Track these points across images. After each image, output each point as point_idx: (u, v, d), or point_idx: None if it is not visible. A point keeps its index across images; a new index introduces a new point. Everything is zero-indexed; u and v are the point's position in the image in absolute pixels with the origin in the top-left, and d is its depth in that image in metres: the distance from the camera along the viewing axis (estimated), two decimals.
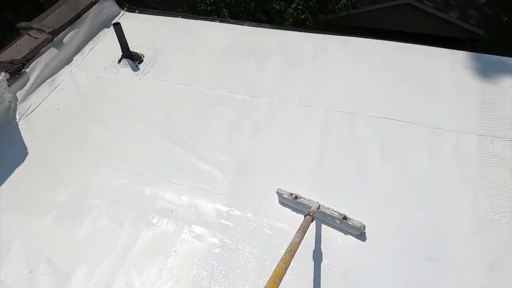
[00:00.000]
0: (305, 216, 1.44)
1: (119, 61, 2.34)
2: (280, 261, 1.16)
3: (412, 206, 1.60)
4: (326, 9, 8.36)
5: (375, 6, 9.71)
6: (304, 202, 1.55)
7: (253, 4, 7.16)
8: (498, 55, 2.32)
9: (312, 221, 1.43)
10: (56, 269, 1.44)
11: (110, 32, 2.58)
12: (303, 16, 7.57)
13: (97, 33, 2.61)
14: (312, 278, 1.41)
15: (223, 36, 2.53)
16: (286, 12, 7.58)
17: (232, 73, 2.27)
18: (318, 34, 2.53)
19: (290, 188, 1.62)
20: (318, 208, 1.51)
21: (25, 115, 2.05)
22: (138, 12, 2.82)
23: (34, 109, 2.09)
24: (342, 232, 1.53)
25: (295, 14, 7.51)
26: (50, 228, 1.57)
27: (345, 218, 1.48)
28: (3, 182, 1.73)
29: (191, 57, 2.39)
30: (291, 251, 1.20)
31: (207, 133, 1.93)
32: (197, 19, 2.70)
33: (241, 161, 1.79)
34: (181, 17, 2.77)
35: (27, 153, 1.87)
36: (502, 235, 1.49)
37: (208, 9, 6.16)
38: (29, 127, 1.99)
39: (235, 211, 1.61)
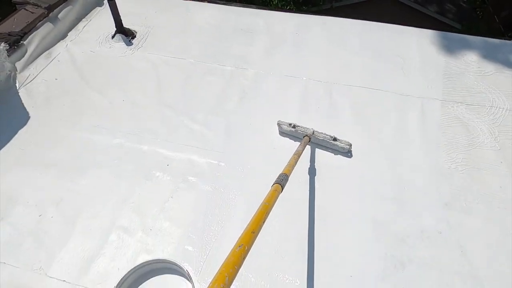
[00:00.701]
0: (303, 137, 1.78)
1: (113, 36, 2.48)
2: (287, 163, 1.41)
3: (381, 158, 1.82)
4: (310, 1, 8.59)
5: (357, 0, 9.98)
6: (301, 130, 1.84)
7: None
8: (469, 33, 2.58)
9: (309, 140, 1.77)
10: (63, 213, 1.59)
11: (103, 10, 2.71)
12: (288, 7, 7.77)
13: (90, 11, 2.73)
14: (308, 187, 1.70)
15: (212, 15, 2.69)
16: (271, 3, 7.75)
17: (221, 48, 2.44)
18: (300, 14, 2.73)
19: (271, 144, 1.84)
20: (313, 133, 1.82)
21: (24, 84, 2.17)
22: None
23: (33, 79, 2.21)
24: (333, 152, 1.84)
25: (279, 5, 7.69)
26: (55, 179, 1.71)
27: (335, 139, 1.80)
28: (8, 142, 1.85)
29: (182, 34, 2.54)
30: (296, 155, 1.50)
31: (198, 99, 2.10)
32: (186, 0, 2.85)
33: (230, 122, 1.97)
34: None
35: (29, 117, 1.99)
36: (457, 180, 1.72)
37: None
38: (29, 94, 2.11)
39: (224, 163, 1.79)
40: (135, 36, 2.52)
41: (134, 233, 1.53)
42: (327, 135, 1.82)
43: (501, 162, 1.79)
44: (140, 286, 1.23)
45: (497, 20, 7.51)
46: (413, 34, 2.50)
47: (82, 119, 1.99)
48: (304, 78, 2.23)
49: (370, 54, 2.36)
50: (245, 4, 2.86)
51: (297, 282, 1.42)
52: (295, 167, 1.44)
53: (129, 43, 2.46)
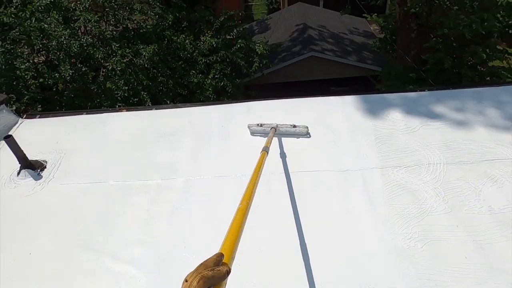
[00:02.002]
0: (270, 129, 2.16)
1: (18, 173, 2.19)
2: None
3: (336, 254, 1.62)
4: (242, 74, 8.98)
5: (284, 64, 10.69)
6: (268, 126, 2.23)
7: (171, 82, 7.41)
8: (386, 91, 2.65)
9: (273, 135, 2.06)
10: None
11: (3, 146, 2.43)
12: (222, 83, 8.01)
13: None
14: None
15: (132, 125, 2.53)
16: (205, 83, 7.96)
17: (144, 159, 2.24)
18: (225, 105, 2.66)
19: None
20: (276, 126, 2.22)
21: None
22: (39, 117, 2.73)
23: None
24: (295, 136, 2.22)
25: (214, 83, 7.91)
26: None
27: (294, 126, 2.21)
28: None
29: (99, 153, 2.33)
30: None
31: (121, 230, 1.82)
32: (102, 113, 2.69)
33: (160, 253, 1.69)
34: (86, 113, 2.74)
35: None
36: (420, 260, 1.55)
37: (126, 95, 6.21)
38: None
39: None
40: (45, 167, 2.24)
41: None
42: (287, 124, 2.23)
43: (457, 226, 1.67)
44: None
45: (409, 60, 8.31)
46: (337, 103, 2.51)
47: None
48: (237, 174, 2.06)
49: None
50: (165, 106, 2.76)
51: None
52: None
53: (37, 177, 2.18)
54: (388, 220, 1.73)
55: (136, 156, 2.27)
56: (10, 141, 2.05)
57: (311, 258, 1.61)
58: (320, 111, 2.45)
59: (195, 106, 2.73)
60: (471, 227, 1.65)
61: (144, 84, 6.55)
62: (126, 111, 2.77)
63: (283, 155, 2.15)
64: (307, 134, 2.23)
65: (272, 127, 2.19)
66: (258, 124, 2.26)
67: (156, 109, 2.72)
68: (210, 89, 7.77)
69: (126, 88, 6.31)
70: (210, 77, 7.88)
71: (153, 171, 2.14)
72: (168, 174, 2.11)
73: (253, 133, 2.29)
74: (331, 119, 2.38)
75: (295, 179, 2.00)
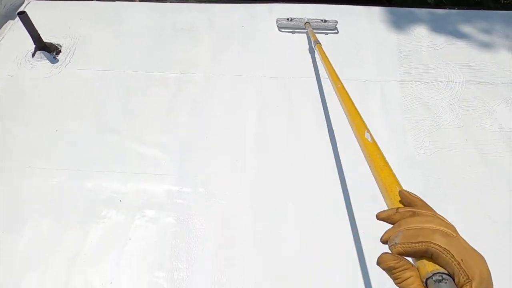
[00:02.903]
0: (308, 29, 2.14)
1: (33, 54, 2.13)
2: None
3: (349, 152, 1.72)
4: None
5: None
6: (298, 21, 2.23)
7: None
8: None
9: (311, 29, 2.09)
10: (1, 283, 1.33)
11: (17, 24, 2.32)
12: None
13: (1, 27, 2.34)
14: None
15: (146, 16, 2.41)
16: None
17: (162, 53, 2.19)
18: (244, 4, 2.52)
19: (234, 155, 1.68)
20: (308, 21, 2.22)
21: None
22: None
23: None
24: (323, 32, 2.25)
25: None
26: None
27: (324, 20, 2.22)
28: None
29: (115, 41, 2.25)
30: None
31: (143, 117, 1.87)
32: (114, 0, 2.53)
33: (184, 139, 1.77)
34: (96, 0, 2.58)
35: None
36: (428, 167, 1.67)
37: None
38: None
39: (185, 188, 1.60)
40: (60, 51, 2.19)
41: None
42: (318, 19, 2.22)
43: (466, 140, 1.77)
44: None
45: None
46: (362, 13, 2.40)
47: (9, 161, 1.70)
48: (258, 75, 2.06)
49: (322, 41, 2.23)
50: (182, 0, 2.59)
51: None
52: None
53: (54, 60, 2.13)
54: (402, 130, 1.81)
55: (154, 48, 2.21)
56: (24, 17, 1.95)
57: (327, 160, 1.71)
58: (345, 19, 2.35)
59: (214, 3, 2.58)
60: (479, 142, 1.75)
61: None
62: (140, 1, 2.61)
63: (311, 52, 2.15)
64: (335, 29, 2.26)
65: (306, 22, 2.19)
66: (288, 19, 2.23)
67: (170, 2, 2.57)
68: None
69: None
70: None
71: (172, 64, 2.11)
72: (188, 69, 2.09)
73: (281, 27, 2.27)
74: (356, 29, 2.30)
75: (315, 84, 2.01)
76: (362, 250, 1.43)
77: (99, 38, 2.26)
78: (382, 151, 0.77)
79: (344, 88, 1.19)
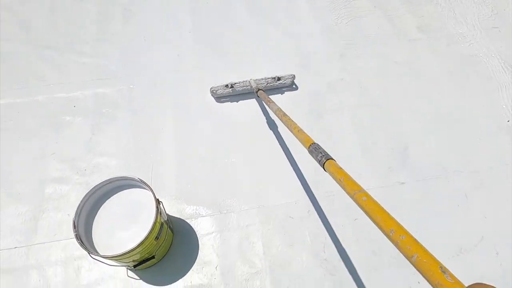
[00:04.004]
0: (256, 92, 1.52)
1: None
2: (293, 131, 1.14)
3: (279, 33, 1.92)
4: None
5: None
6: (242, 86, 1.64)
7: None
8: None
9: (263, 91, 1.51)
10: None
11: None
12: None
13: None
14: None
15: None
16: None
17: None
18: None
19: (175, 59, 1.80)
20: (256, 84, 1.62)
21: None
22: None
23: None
24: (279, 92, 1.71)
25: None
26: None
27: (279, 78, 1.66)
28: None
29: None
30: (282, 114, 1.23)
31: (76, 30, 1.88)
32: None
33: (123, 44, 1.84)
34: None
35: None
36: (345, 33, 1.92)
37: None
38: None
39: (135, 85, 1.72)
40: None
41: (69, 179, 1.47)
42: (268, 77, 1.67)
43: (375, 7, 2.03)
44: (102, 206, 1.21)
45: None
46: None
47: None
48: None
49: None
50: None
51: None
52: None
53: None
54: (322, 7, 2.02)
55: None
56: None
57: (259, 46, 1.89)
58: None
59: None
60: (384, 6, 2.02)
61: None
62: None
63: None
64: (292, 85, 1.74)
65: (259, 89, 1.53)
66: (227, 85, 1.65)
67: None
68: None
69: None
70: None
71: None
72: None
73: (218, 98, 1.69)
74: None
75: None
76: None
77: None
78: None
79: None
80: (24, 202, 1.42)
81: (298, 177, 1.48)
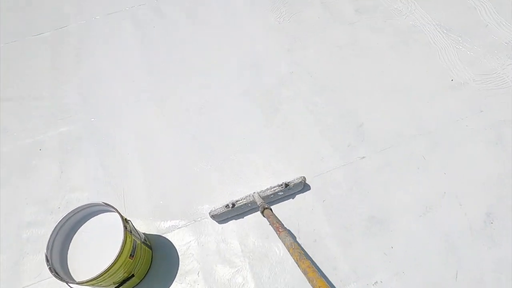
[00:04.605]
0: (262, 212, 1.30)
1: None
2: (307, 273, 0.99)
3: (228, 41, 1.99)
4: None
5: None
6: (244, 202, 1.39)
7: None
8: None
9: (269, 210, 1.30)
10: None
11: None
12: None
13: None
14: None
15: None
16: None
17: (29, 16, 2.18)
18: None
19: (130, 85, 1.87)
20: (261, 197, 1.38)
21: None
22: None
23: None
24: (290, 197, 1.46)
25: None
26: None
27: (287, 185, 1.39)
28: None
29: None
30: (296, 250, 1.07)
31: (32, 79, 1.93)
32: None
33: (78, 84, 1.90)
34: None
35: None
36: (289, 29, 2.00)
37: None
38: None
39: (95, 118, 1.77)
40: None
41: (44, 220, 1.49)
42: (275, 187, 1.40)
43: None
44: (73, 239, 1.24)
45: None
46: None
47: None
48: (127, 7, 2.18)
49: None
50: None
51: None
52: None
53: None
54: (263, 7, 2.11)
55: (20, 14, 2.19)
56: None
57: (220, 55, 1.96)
58: None
59: None
60: None
61: None
62: None
63: None
64: (303, 188, 1.46)
65: (262, 207, 1.31)
66: (227, 205, 1.38)
67: None
68: None
69: None
70: None
71: (42, 24, 2.13)
72: (59, 23, 2.14)
73: (221, 221, 1.44)
74: None
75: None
76: None
77: None
78: None
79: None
80: (3, 251, 1.44)
81: (265, 167, 1.53)
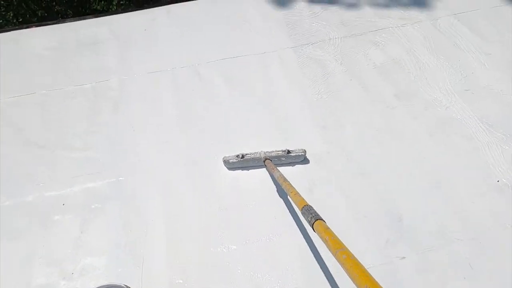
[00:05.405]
0: (265, 160, 1.65)
1: None
2: (290, 195, 1.23)
3: (266, 114, 1.99)
4: None
5: None
6: (252, 156, 1.70)
7: (71, 12, 6.66)
8: None
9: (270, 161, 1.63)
10: None
11: None
12: (129, 9, 7.43)
13: None
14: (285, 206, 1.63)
15: (47, 40, 2.46)
16: (110, 9, 7.31)
17: (71, 68, 2.27)
18: (143, 10, 2.69)
19: (163, 146, 1.86)
20: (265, 155, 1.70)
21: None
22: None
23: None
24: (290, 165, 1.75)
25: (120, 9, 7.31)
26: None
27: (289, 152, 1.70)
28: None
29: (20, 68, 2.27)
30: (283, 179, 1.35)
31: (66, 127, 1.95)
32: (9, 31, 2.53)
33: (111, 134, 1.90)
34: None
35: None
36: (325, 106, 2.01)
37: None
38: None
39: (124, 177, 1.74)
40: None
41: (56, 285, 1.40)
42: (279, 150, 1.72)
43: (351, 80, 2.15)
44: None
45: None
46: None
47: None
48: (169, 68, 2.25)
49: (221, 27, 2.50)
50: (82, 17, 2.67)
51: None
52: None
53: None
54: (300, 84, 2.14)
55: (61, 67, 2.28)
56: None
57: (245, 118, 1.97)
58: (234, 7, 2.65)
59: (113, 14, 2.70)
60: (360, 79, 2.14)
61: (39, 15, 5.80)
62: (36, 27, 2.63)
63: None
64: (304, 160, 1.78)
65: (267, 158, 1.68)
66: (238, 155, 1.70)
67: (69, 21, 2.64)
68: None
69: (17, 21, 5.55)
70: (115, 2, 7.23)
71: (83, 76, 2.20)
72: (100, 77, 2.20)
73: (231, 168, 1.76)
74: (242, 10, 2.60)
75: (222, 66, 2.26)
76: None
77: (1, 68, 2.26)
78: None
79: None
80: None
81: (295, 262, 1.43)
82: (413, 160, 1.73)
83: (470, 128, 1.85)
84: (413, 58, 2.24)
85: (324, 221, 0.98)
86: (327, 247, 0.87)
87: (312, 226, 0.98)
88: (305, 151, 1.74)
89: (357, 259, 0.79)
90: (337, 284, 1.37)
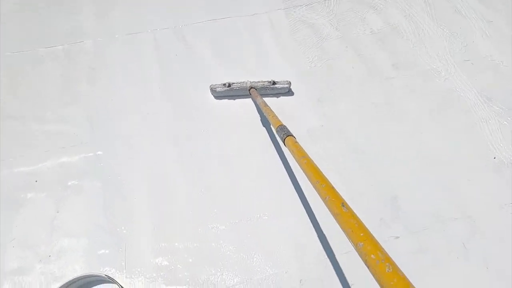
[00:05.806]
0: (249, 89, 1.70)
1: None
2: (268, 118, 1.30)
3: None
4: None
5: None
6: (239, 86, 1.73)
7: None
8: None
9: (255, 90, 1.68)
10: None
11: None
12: None
13: None
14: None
15: None
16: None
17: (42, 28, 2.03)
18: None
19: (145, 117, 1.70)
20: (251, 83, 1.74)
21: None
22: None
23: None
24: (275, 96, 1.79)
25: None
26: None
27: (274, 82, 1.74)
28: None
29: None
30: (264, 105, 1.42)
31: (37, 97, 1.76)
32: None
33: (89, 107, 1.73)
34: None
35: None
36: (319, 76, 1.88)
37: None
38: None
39: (103, 151, 1.60)
40: None
41: (31, 269, 1.31)
42: (264, 81, 1.74)
43: (347, 47, 2.01)
44: None
45: None
46: None
47: None
48: (149, 30, 2.04)
49: None
50: None
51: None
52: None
53: None
54: (293, 51, 1.98)
55: (30, 25, 2.03)
56: None
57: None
58: None
59: None
60: (357, 47, 2.01)
61: None
62: None
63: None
64: (289, 92, 1.82)
65: (252, 87, 1.71)
66: (224, 84, 1.73)
67: None
68: None
69: None
70: None
71: (55, 37, 1.98)
72: (74, 38, 1.98)
73: (217, 96, 1.78)
74: None
75: (208, 29, 2.06)
76: None
77: None
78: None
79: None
80: None
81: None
82: (409, 136, 1.66)
83: (468, 101, 1.77)
84: (412, 24, 2.10)
85: (294, 137, 1.08)
86: (293, 157, 0.98)
87: (283, 141, 1.09)
88: (290, 83, 1.77)
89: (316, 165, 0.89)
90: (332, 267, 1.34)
